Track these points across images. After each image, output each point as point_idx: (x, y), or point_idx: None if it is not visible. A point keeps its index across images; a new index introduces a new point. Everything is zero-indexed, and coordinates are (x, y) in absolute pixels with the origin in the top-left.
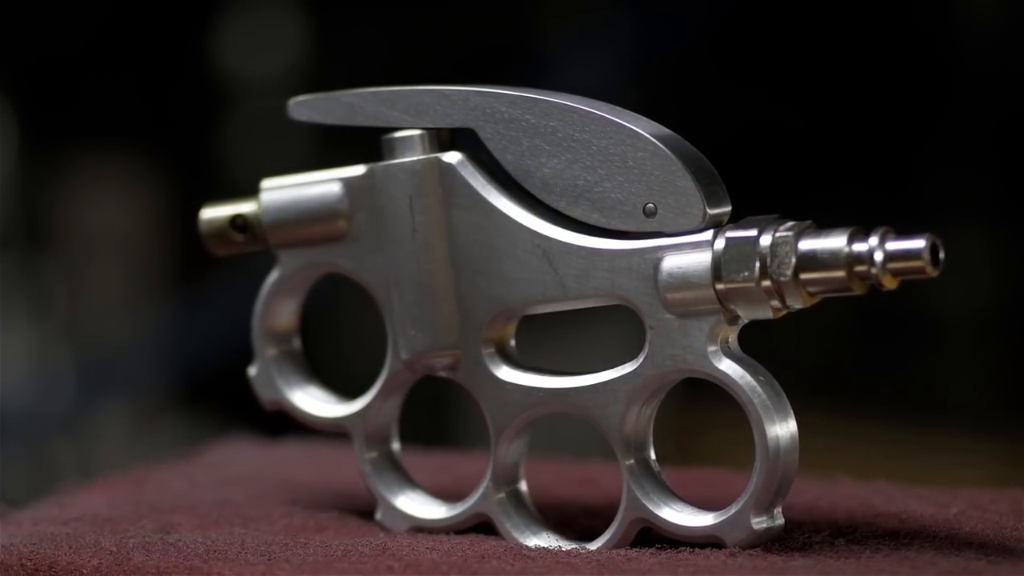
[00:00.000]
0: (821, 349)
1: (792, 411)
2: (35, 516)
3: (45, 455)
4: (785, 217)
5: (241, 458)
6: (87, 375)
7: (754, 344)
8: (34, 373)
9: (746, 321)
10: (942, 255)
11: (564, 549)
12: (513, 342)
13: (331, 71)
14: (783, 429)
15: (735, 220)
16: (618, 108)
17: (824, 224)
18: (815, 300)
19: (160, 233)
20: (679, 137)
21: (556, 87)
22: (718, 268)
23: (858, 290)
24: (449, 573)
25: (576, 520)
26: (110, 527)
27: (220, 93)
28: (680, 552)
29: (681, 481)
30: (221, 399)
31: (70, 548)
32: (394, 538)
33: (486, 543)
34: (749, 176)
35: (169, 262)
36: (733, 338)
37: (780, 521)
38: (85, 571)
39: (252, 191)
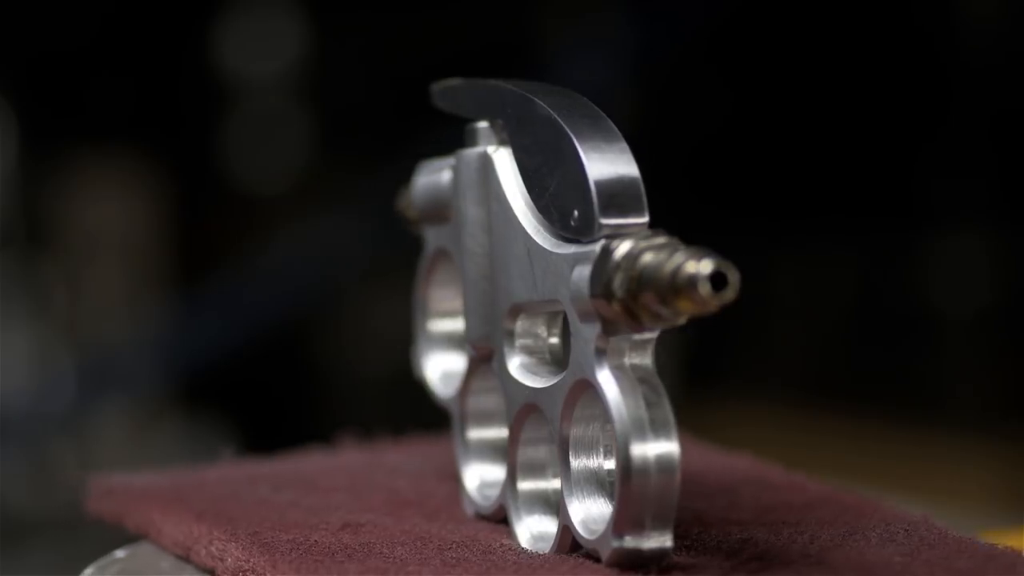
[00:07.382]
0: (821, 349)
1: (673, 434)
2: (235, 467)
3: (45, 455)
4: (663, 232)
5: None
6: (87, 375)
7: (754, 344)
8: (34, 373)
9: (647, 335)
10: (732, 282)
11: (512, 548)
12: (554, 340)
13: (331, 71)
14: (649, 449)
15: (729, 225)
16: (590, 105)
17: (812, 231)
18: (663, 323)
19: (160, 233)
20: (621, 143)
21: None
22: (592, 282)
23: (684, 310)
24: (351, 555)
25: None
26: (243, 485)
27: (220, 93)
28: (565, 560)
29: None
30: (221, 399)
31: (164, 499)
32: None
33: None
34: (747, 175)
35: (169, 262)
36: (640, 353)
37: (657, 544)
38: (152, 515)
39: (251, 191)
